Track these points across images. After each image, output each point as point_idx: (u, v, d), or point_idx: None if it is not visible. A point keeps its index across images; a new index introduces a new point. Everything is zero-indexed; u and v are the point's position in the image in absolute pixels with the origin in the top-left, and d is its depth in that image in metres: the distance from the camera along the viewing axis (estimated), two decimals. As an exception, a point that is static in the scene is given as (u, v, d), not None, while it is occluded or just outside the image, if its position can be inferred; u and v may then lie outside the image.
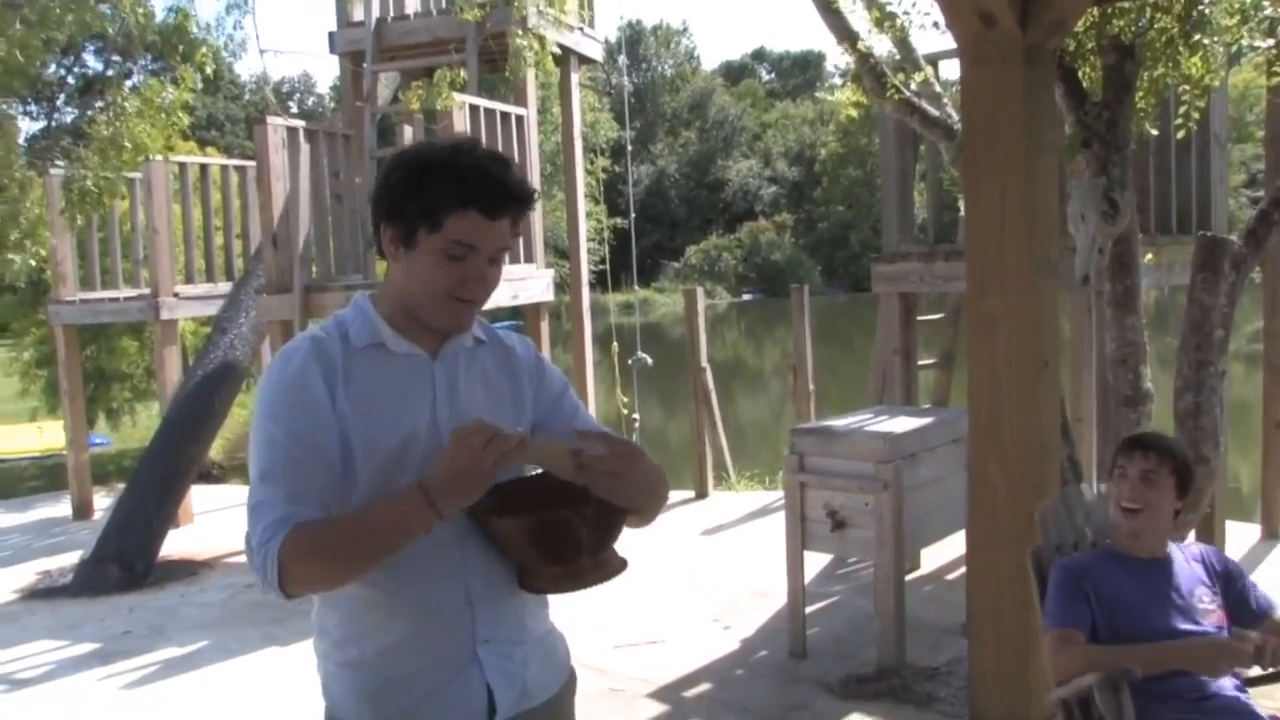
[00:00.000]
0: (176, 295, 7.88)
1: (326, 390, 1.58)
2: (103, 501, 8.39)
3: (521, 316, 7.37)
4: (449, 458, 1.51)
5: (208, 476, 9.78)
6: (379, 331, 1.65)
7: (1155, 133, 4.47)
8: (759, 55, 66.23)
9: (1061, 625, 2.47)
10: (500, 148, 6.32)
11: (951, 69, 5.23)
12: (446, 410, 1.66)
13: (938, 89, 4.97)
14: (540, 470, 1.75)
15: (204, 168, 8.35)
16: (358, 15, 7.55)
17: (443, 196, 1.57)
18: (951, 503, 4.42)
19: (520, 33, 6.54)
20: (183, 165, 8.10)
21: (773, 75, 65.40)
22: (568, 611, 1.85)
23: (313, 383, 1.57)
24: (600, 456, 1.54)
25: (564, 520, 1.54)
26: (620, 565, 1.63)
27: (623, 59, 38.66)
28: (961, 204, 4.94)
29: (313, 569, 1.49)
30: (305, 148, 6.17)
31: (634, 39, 54.33)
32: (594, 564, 1.58)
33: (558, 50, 6.94)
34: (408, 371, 1.65)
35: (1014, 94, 3.10)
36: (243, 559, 6.47)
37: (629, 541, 1.67)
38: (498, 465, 1.50)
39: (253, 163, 7.44)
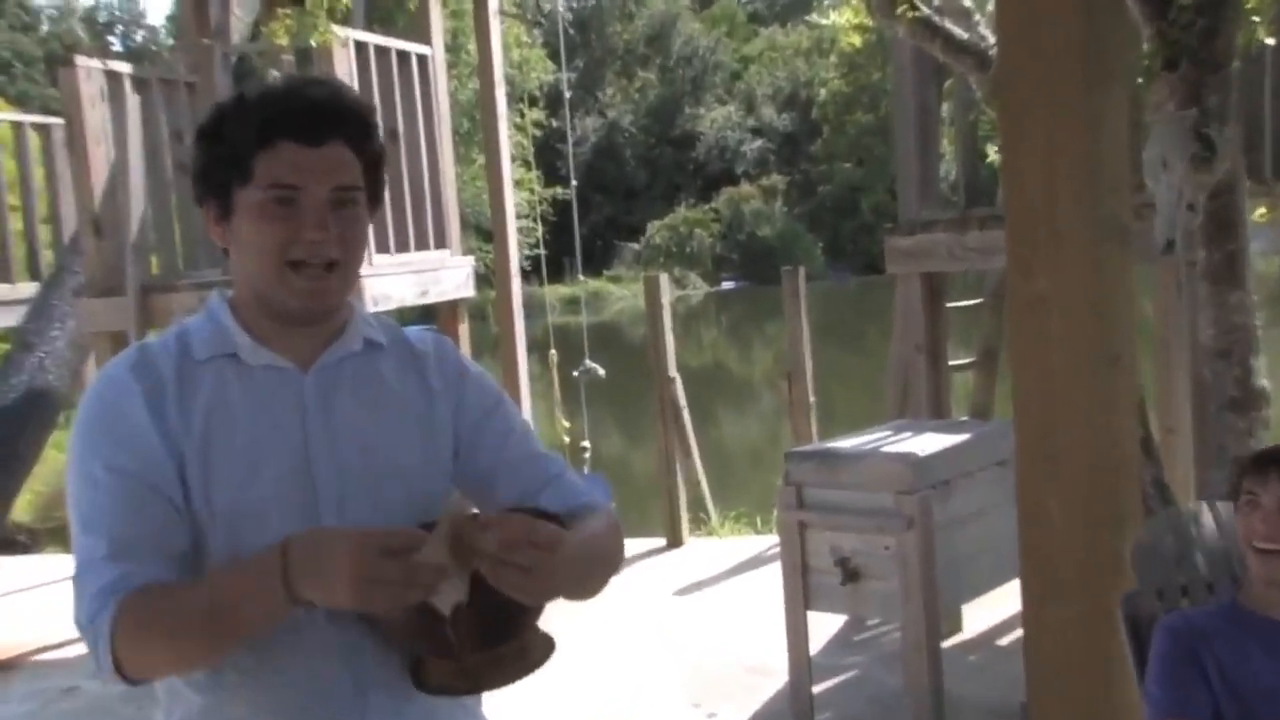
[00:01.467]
0: (-39, 301, 7.75)
1: (151, 416, 1.57)
2: None
3: (434, 319, 7.32)
4: (342, 554, 1.43)
5: (11, 545, 9.58)
6: (231, 339, 1.65)
7: (1271, 41, 4.45)
8: (735, -31, 66.58)
9: (1171, 715, 2.39)
10: (398, 98, 6.35)
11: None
12: (322, 441, 1.65)
13: (966, 3, 4.98)
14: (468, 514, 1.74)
15: (-12, 125, 8.22)
16: (200, -78, 7.49)
17: (243, 134, 1.58)
18: (999, 543, 4.40)
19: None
20: (-44, 122, 7.97)
21: (754, -5, 65.74)
22: (504, 697, 1.81)
23: (133, 406, 1.57)
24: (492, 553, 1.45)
25: (431, 612, 1.49)
26: (540, 656, 1.61)
27: (557, -22, 38.70)
28: (1000, 154, 4.96)
29: (153, 651, 1.50)
30: (133, 100, 6.09)
31: (572, -49, 54.45)
32: (490, 659, 1.56)
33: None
34: (268, 391, 1.64)
35: (1068, 10, 3.10)
36: (58, 654, 6.37)
37: (581, 608, 1.65)
38: (387, 598, 1.44)
39: (59, 120, 7.32)
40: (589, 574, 1.64)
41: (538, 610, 1.61)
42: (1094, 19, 3.15)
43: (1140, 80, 3.82)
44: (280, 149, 1.57)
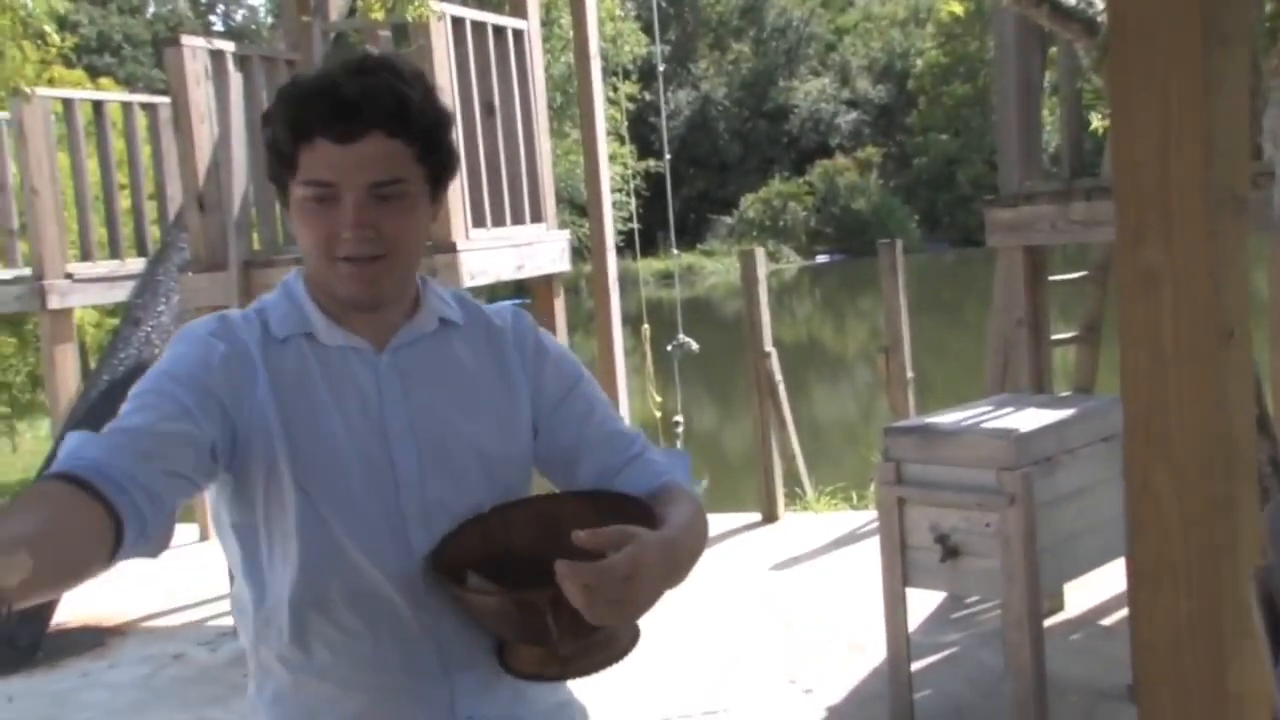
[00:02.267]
0: (69, 277, 7.92)
1: (225, 378, 1.57)
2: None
3: (529, 293, 7.33)
4: None
5: (122, 513, 9.85)
6: (308, 318, 1.65)
7: None
8: (829, -61, 65.82)
9: None
10: (495, 73, 6.36)
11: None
12: (400, 418, 1.65)
13: (1072, -32, 4.86)
14: (549, 494, 1.74)
15: (98, 105, 8.36)
16: (298, -100, 7.54)
17: (286, 130, 1.58)
18: (1104, 522, 4.35)
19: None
20: (68, 102, 8.10)
21: (850, -36, 64.97)
22: (602, 674, 1.81)
23: (206, 358, 1.58)
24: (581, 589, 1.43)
25: (531, 604, 1.50)
26: (627, 644, 1.61)
27: (650, -50, 38.59)
28: (1107, 124, 4.84)
29: None
30: (236, 78, 6.16)
31: (665, -77, 54.21)
32: (582, 648, 1.56)
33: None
34: (346, 369, 1.65)
35: (1182, -31, 3.00)
36: (171, 621, 6.53)
37: None
38: None
39: (165, 99, 7.44)
40: (675, 576, 1.59)
41: None
42: (1211, -18, 3.04)
43: (1259, 44, 3.71)
44: (317, 146, 1.56)
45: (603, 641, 1.59)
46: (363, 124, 1.56)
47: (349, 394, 1.63)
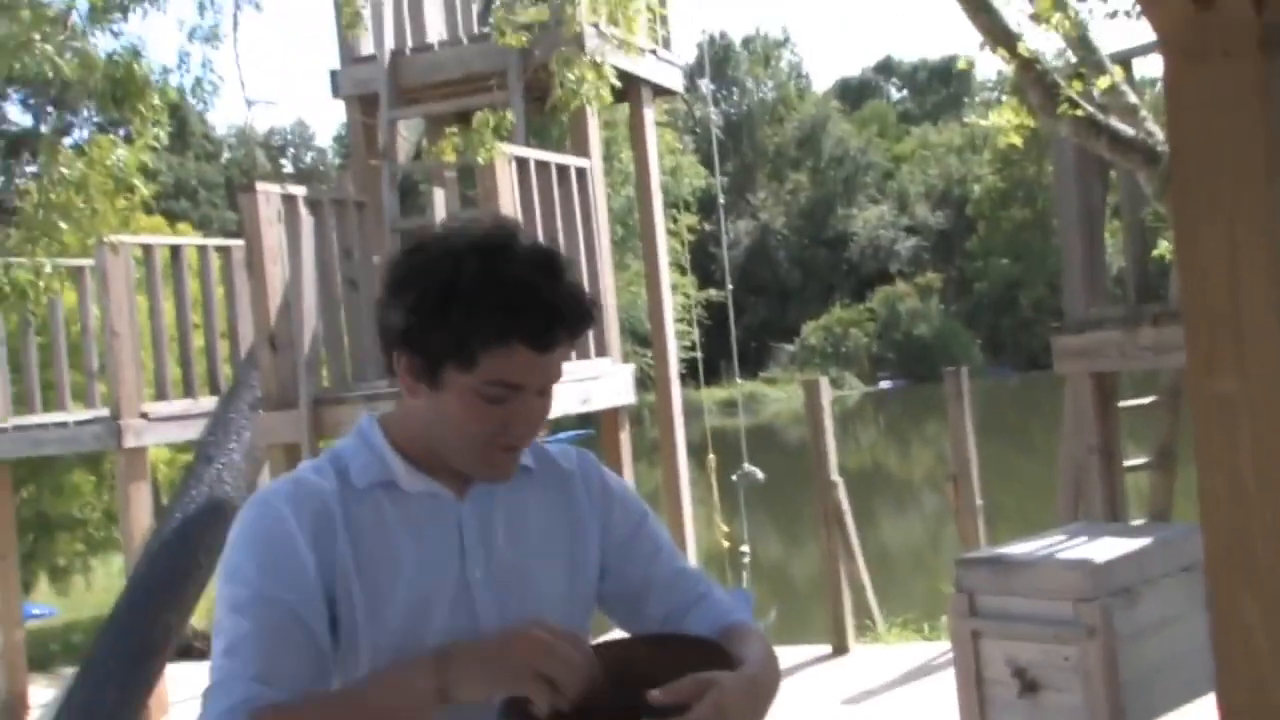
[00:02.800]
0: (144, 416, 8.04)
1: (311, 548, 1.57)
2: (43, 694, 8.46)
3: (593, 425, 7.36)
4: (498, 641, 1.51)
5: (189, 652, 9.82)
6: (389, 466, 1.65)
7: None
8: (885, 68, 67.08)
9: None
10: (558, 211, 6.46)
11: (1151, 68, 5.16)
12: (480, 565, 1.65)
13: (1131, 99, 4.90)
14: (619, 640, 1.72)
15: (175, 249, 8.57)
16: (367, 48, 7.75)
17: (477, 329, 1.54)
18: (1190, 655, 4.23)
19: (572, 59, 6.63)
20: (147, 248, 8.31)
21: (905, 93, 66.02)
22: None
23: (291, 536, 1.57)
24: None
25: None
26: None
27: (707, 84, 39.33)
28: (1171, 249, 4.82)
29: None
30: (307, 220, 6.30)
31: (721, 57, 55.38)
32: None
33: (616, 81, 7.00)
34: (427, 516, 1.65)
35: (1246, 95, 3.00)
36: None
37: None
38: (551, 676, 1.48)
39: (239, 241, 7.60)
40: (758, 716, 1.60)
41: None
42: (1274, 111, 3.05)
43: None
44: (514, 352, 1.55)
45: None
46: (560, 332, 1.58)
47: (430, 541, 1.63)
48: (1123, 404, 5.77)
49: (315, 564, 1.56)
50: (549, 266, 1.58)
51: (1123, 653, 3.99)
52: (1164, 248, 5.89)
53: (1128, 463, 5.76)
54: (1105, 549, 4.26)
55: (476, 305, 1.53)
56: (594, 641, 1.73)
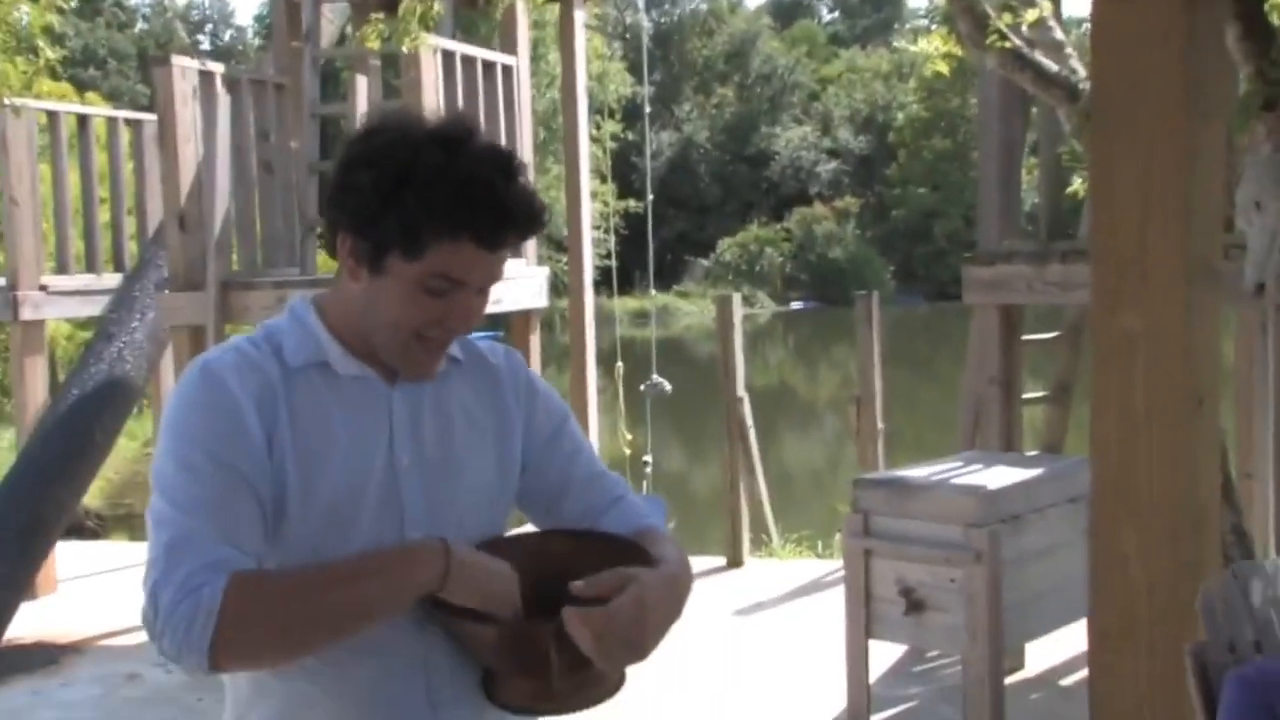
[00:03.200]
0: (44, 289, 7.85)
1: (260, 422, 1.57)
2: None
3: (504, 327, 7.34)
4: (505, 571, 1.60)
5: (80, 530, 9.75)
6: (323, 347, 1.65)
7: None
8: (818, -11, 66.50)
9: None
10: (482, 107, 6.38)
11: (1078, 6, 5.18)
12: (408, 451, 1.65)
13: (1058, 35, 4.93)
14: (539, 532, 1.76)
15: (83, 119, 8.32)
16: (294, -73, 7.56)
17: (430, 219, 1.54)
18: (1068, 583, 4.36)
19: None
20: (52, 114, 8.07)
21: (836, 15, 65.74)
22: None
23: (240, 407, 1.56)
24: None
25: (533, 636, 1.54)
26: (615, 685, 1.64)
27: (640, -8, 38.83)
28: (1086, 189, 4.89)
29: (263, 634, 1.48)
30: (224, 98, 6.17)
31: (655, -34, 54.61)
32: (574, 685, 1.58)
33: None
34: (357, 400, 1.65)
35: (1167, 39, 3.05)
36: (125, 640, 6.45)
37: None
38: None
39: (151, 116, 7.43)
40: (676, 613, 1.67)
41: None
42: (1194, 54, 3.10)
43: (1236, 120, 3.76)
44: (461, 246, 1.55)
45: (595, 678, 1.61)
46: (510, 232, 1.58)
47: (361, 425, 1.63)
48: (1026, 338, 5.86)
49: (264, 438, 1.56)
50: (507, 166, 1.58)
51: (1007, 577, 4.09)
52: (1078, 185, 5.96)
53: (1026, 395, 5.87)
54: (998, 477, 4.36)
55: (432, 195, 1.53)
56: (513, 533, 1.77)
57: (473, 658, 1.66)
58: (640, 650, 1.54)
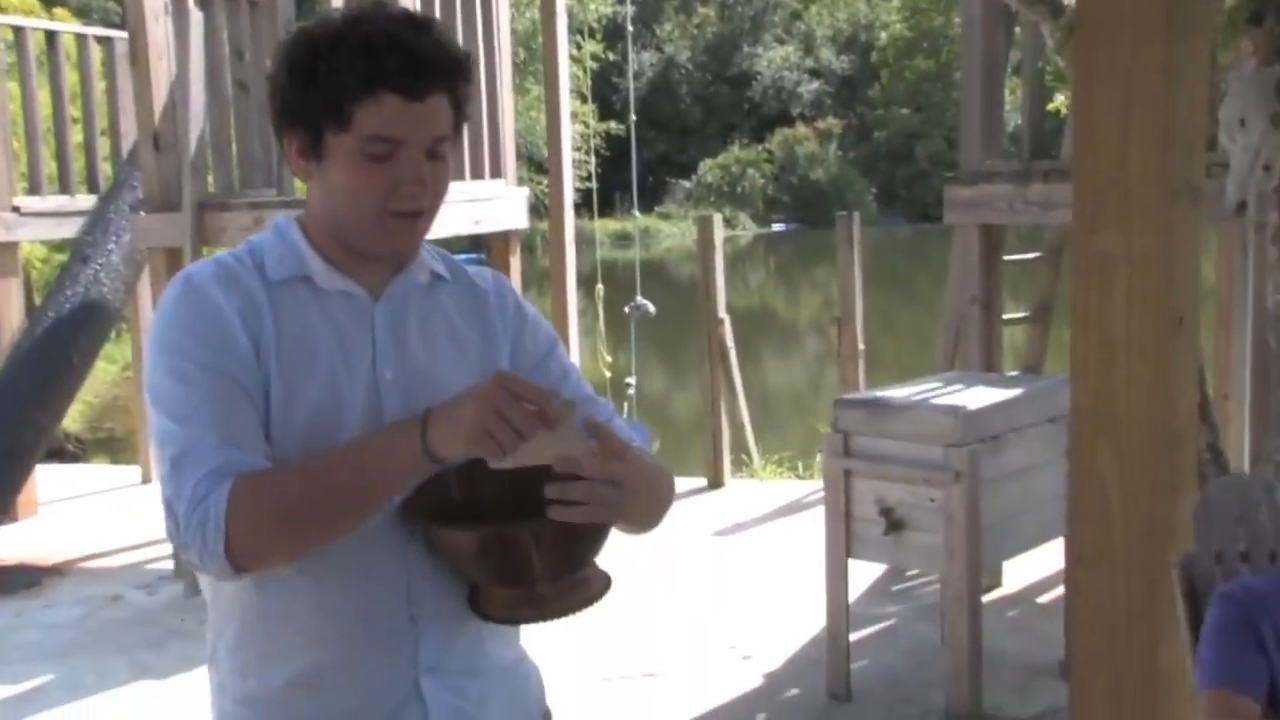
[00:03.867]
0: (16, 210, 7.77)
1: (244, 327, 1.58)
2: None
3: (485, 249, 7.31)
4: (460, 399, 1.53)
5: (60, 454, 9.75)
6: (305, 262, 1.65)
7: None
8: (801, -94, 65.49)
9: (1223, 684, 2.33)
10: (460, 24, 6.29)
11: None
12: (391, 365, 1.66)
13: (1041, -50, 4.87)
14: None
15: (52, 35, 8.19)
16: None
17: (344, 82, 1.55)
18: (1046, 501, 4.41)
19: None
20: (19, 30, 7.94)
21: (819, -67, 64.75)
22: (545, 634, 1.85)
23: (224, 313, 1.58)
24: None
25: (514, 538, 1.55)
26: (600, 589, 1.64)
27: (621, -92, 38.28)
28: (1068, 107, 4.86)
29: (274, 530, 1.50)
30: (197, 16, 6.08)
31: (636, -119, 53.77)
32: (558, 590, 1.59)
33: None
34: (341, 315, 1.65)
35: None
36: (107, 563, 6.48)
37: (620, 545, 1.67)
38: (521, 428, 1.49)
39: (122, 33, 7.30)
40: (654, 501, 1.71)
41: (603, 542, 1.64)
42: (1179, -32, 3.06)
43: (1221, 35, 3.73)
44: (383, 101, 1.55)
45: (578, 584, 1.61)
46: (435, 81, 1.57)
47: (343, 339, 1.64)
48: (1007, 258, 5.86)
49: (251, 344, 1.57)
50: (413, 21, 1.59)
51: (985, 497, 4.11)
52: (1059, 101, 5.93)
53: (1007, 316, 5.88)
54: (977, 397, 4.37)
55: (341, 60, 1.54)
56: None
57: (455, 574, 1.66)
58: (625, 497, 1.55)
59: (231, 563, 1.48)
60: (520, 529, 1.53)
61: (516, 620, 1.66)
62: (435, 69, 1.58)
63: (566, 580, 1.60)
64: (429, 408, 1.53)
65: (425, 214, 1.64)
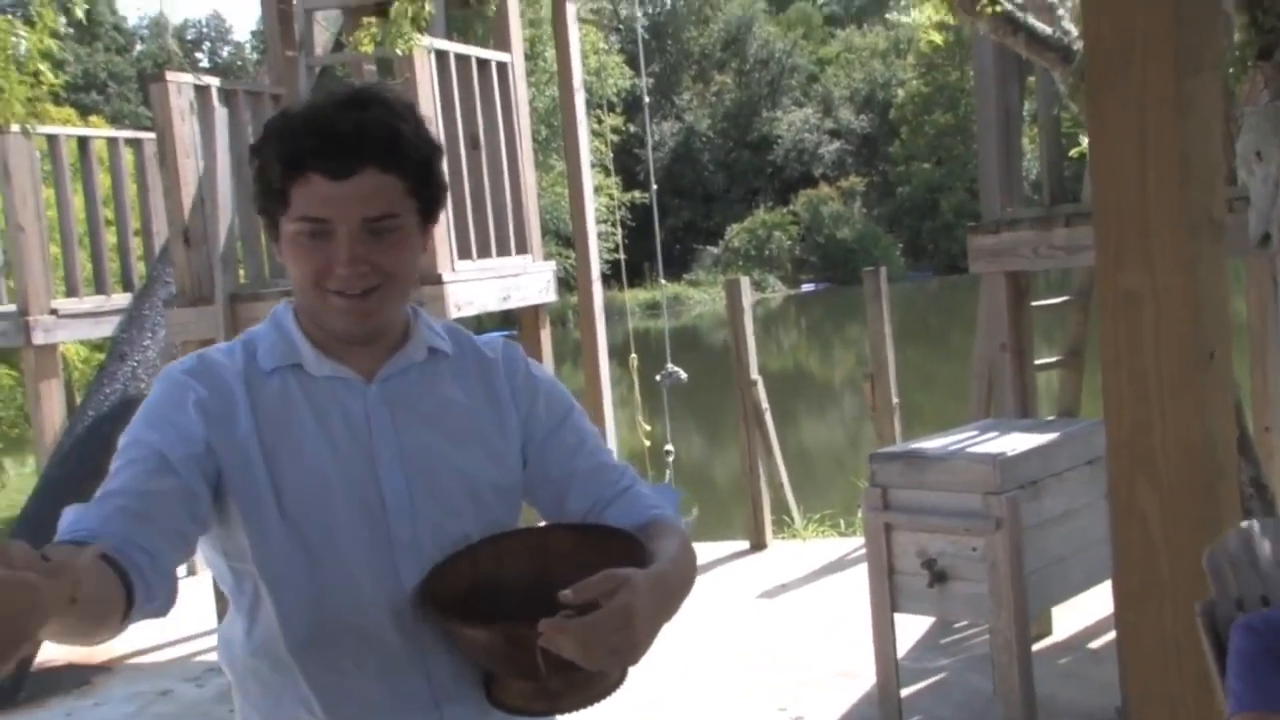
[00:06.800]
0: (54, 313, 7.90)
1: (202, 414, 1.58)
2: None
3: (516, 324, 7.33)
4: None
5: (108, 550, 9.75)
6: (297, 349, 1.65)
7: None
8: (810, -29, 66.17)
9: (1253, 706, 2.35)
10: (479, 105, 6.37)
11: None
12: (389, 447, 1.64)
13: (1049, -3, 4.91)
14: (541, 527, 1.75)
15: (84, 141, 8.37)
16: (283, -62, 7.56)
17: (278, 165, 1.57)
18: (1090, 545, 4.36)
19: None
20: (54, 139, 8.10)
21: (830, -4, 65.36)
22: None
23: (182, 400, 1.59)
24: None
25: (521, 638, 1.49)
26: (616, 681, 1.60)
27: (633, -16, 38.82)
28: (1087, 149, 4.86)
29: None
30: (221, 113, 6.17)
31: (647, -43, 54.52)
32: (570, 685, 1.56)
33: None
34: (330, 400, 1.64)
35: (1157, -7, 3.03)
36: (155, 658, 6.48)
37: None
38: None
39: (151, 134, 7.43)
40: (668, 612, 1.58)
41: None
42: (1185, 6, 3.08)
43: (1232, 71, 3.74)
44: (310, 181, 1.55)
45: (591, 677, 1.58)
46: (357, 159, 1.55)
47: (336, 424, 1.63)
48: (1035, 303, 5.84)
49: (203, 428, 1.57)
50: (354, 99, 1.59)
51: (1028, 543, 4.07)
52: (1082, 146, 5.93)
53: (1038, 361, 5.85)
54: (1014, 443, 4.33)
55: (277, 143, 1.57)
56: (516, 529, 1.74)
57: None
58: (627, 656, 1.47)
59: None
60: (528, 630, 1.48)
61: (529, 712, 1.62)
62: (357, 147, 1.55)
63: (577, 676, 1.55)
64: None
65: (378, 292, 1.61)
